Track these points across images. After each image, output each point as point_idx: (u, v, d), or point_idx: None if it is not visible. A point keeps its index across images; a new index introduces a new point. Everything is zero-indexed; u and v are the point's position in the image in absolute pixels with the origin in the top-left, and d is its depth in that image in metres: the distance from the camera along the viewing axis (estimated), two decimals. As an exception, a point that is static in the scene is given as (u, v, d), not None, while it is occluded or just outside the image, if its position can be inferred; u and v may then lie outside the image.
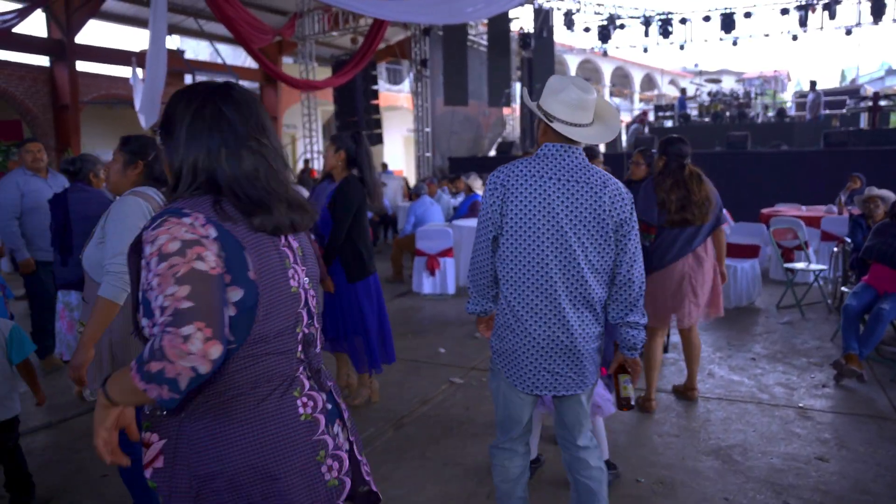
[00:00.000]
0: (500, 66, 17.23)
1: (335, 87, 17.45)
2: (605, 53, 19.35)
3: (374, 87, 17.49)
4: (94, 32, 10.51)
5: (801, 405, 3.93)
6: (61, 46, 15.24)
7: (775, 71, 25.97)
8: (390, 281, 8.13)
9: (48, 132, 15.71)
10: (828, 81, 46.09)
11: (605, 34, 16.06)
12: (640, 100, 35.74)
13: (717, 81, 20.82)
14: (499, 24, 16.95)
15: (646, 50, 17.62)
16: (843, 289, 5.57)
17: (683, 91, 17.92)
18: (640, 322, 2.21)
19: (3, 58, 14.99)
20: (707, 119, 16.13)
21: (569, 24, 16.53)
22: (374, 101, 17.53)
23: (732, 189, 11.87)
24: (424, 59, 16.43)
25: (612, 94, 36.93)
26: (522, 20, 18.42)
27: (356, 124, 17.20)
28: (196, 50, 23.21)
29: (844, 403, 3.98)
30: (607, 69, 35.15)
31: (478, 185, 8.93)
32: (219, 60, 17.85)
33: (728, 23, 14.72)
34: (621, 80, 37.49)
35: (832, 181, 9.39)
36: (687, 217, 3.78)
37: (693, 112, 17.27)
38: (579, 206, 2.10)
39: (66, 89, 15.47)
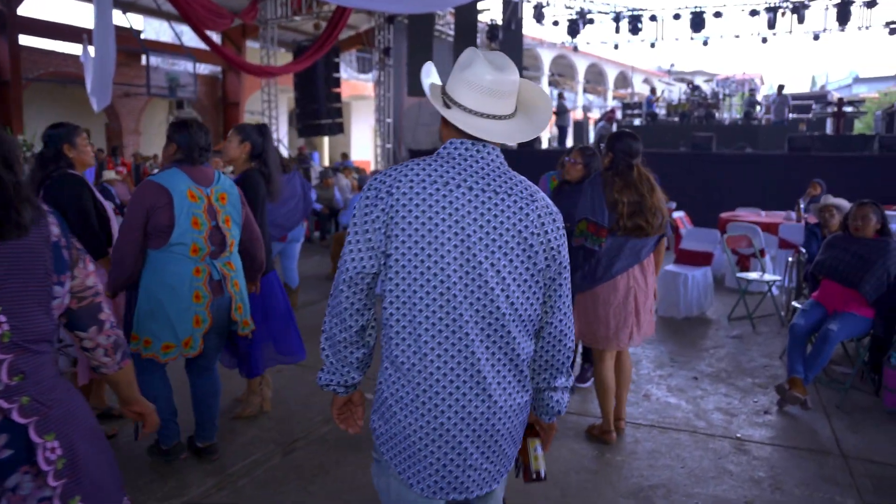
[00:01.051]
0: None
1: (295, 73, 16.86)
2: (575, 49, 19.05)
3: (336, 76, 16.91)
4: (41, 5, 9.80)
5: (738, 435, 3.57)
6: (1, 19, 14.36)
7: (744, 73, 25.92)
8: (329, 278, 7.67)
9: (-13, 110, 14.87)
10: (798, 87, 46.66)
11: (573, 29, 15.72)
12: (614, 97, 35.57)
13: (690, 82, 20.67)
14: (466, 15, 16.48)
15: (616, 46, 17.33)
16: (794, 303, 5.26)
17: (653, 90, 17.68)
18: (568, 385, 1.72)
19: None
20: (675, 119, 15.88)
21: (538, 16, 16.14)
22: (336, 90, 16.96)
23: (695, 191, 11.63)
24: (388, 48, 15.91)
25: (585, 91, 36.76)
26: (492, 12, 18.00)
27: (316, 113, 16.63)
28: (158, 31, 22.29)
29: (785, 434, 3.64)
30: (581, 65, 34.88)
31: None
32: (179, 42, 17.04)
33: (698, 22, 14.47)
34: (595, 76, 37.29)
35: (795, 186, 9.14)
36: (640, 224, 3.32)
37: (661, 111, 17.03)
38: (499, 228, 1.50)
39: (7, 64, 14.59)
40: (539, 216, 1.54)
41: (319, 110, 16.63)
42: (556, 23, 16.10)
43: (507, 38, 17.34)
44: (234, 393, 3.90)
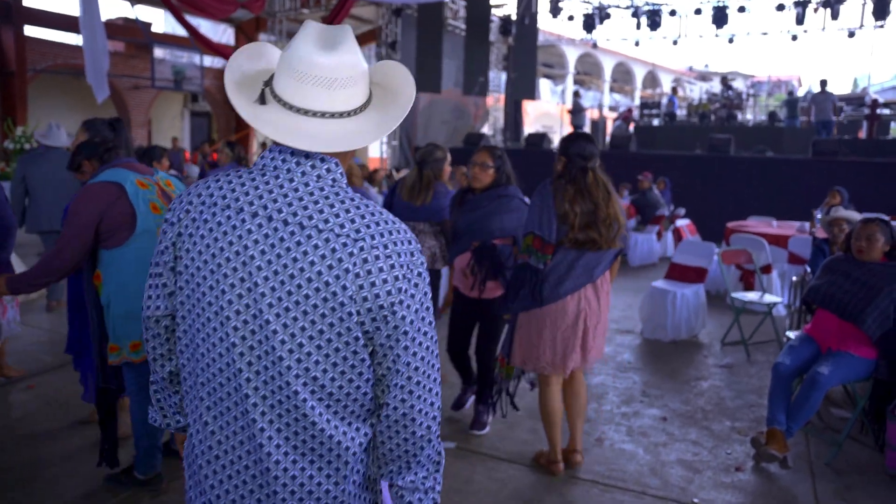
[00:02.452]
0: (477, 52, 16.18)
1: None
2: (594, 45, 18.27)
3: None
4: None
5: (695, 501, 2.95)
6: (6, 9, 14.24)
7: (770, 76, 24.79)
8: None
9: (-7, 100, 14.79)
10: (840, 89, 44.80)
11: (589, 24, 14.99)
12: (642, 97, 34.54)
13: (724, 78, 19.62)
14: (478, 8, 15.89)
15: (637, 43, 16.55)
16: (787, 333, 4.58)
17: (675, 89, 16.81)
18: (426, 486, 1.23)
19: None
20: (696, 119, 15.05)
21: (555, 10, 15.47)
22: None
23: (707, 197, 10.88)
24: (394, 42, 15.38)
25: (612, 91, 35.79)
26: (506, 7, 17.38)
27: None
28: (175, 24, 22.17)
29: (755, 500, 3.00)
30: (608, 64, 33.92)
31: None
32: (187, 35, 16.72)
33: (720, 17, 13.63)
34: (623, 75, 36.26)
35: (817, 195, 8.35)
36: (593, 237, 2.91)
37: (682, 112, 16.19)
38: (296, 274, 1.09)
39: (12, 55, 14.47)
40: (363, 262, 1.09)
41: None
42: (571, 17, 15.40)
43: (522, 33, 16.71)
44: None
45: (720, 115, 14.49)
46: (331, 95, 1.12)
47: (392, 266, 1.11)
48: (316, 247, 1.09)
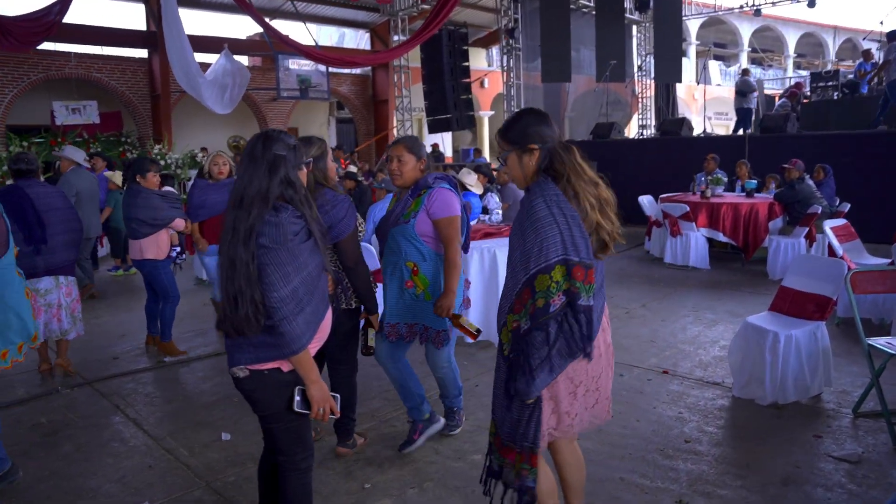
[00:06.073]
0: (609, 34, 14.37)
1: (423, 65, 15.85)
2: (757, 13, 15.43)
3: (465, 64, 15.55)
4: (188, 20, 10.22)
5: None
6: (154, 37, 15.34)
7: None
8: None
9: (146, 122, 16.05)
10: None
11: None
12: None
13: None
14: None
15: (812, 4, 13.63)
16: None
17: (866, 53, 13.42)
18: None
19: (106, 52, 15.49)
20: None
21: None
22: (465, 80, 15.61)
23: (882, 190, 8.33)
24: (512, 29, 14.11)
25: (799, 67, 30.92)
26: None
27: (444, 106, 15.43)
28: (320, 34, 22.82)
29: None
30: (791, 36, 29.31)
31: (471, 181, 6.77)
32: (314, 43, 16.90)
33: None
34: (812, 48, 31.24)
35: None
36: (610, 231, 2.11)
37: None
38: None
39: (159, 79, 15.60)
40: None
41: (447, 103, 15.43)
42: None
43: (661, 6, 14.57)
44: None
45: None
46: None
47: None
48: None
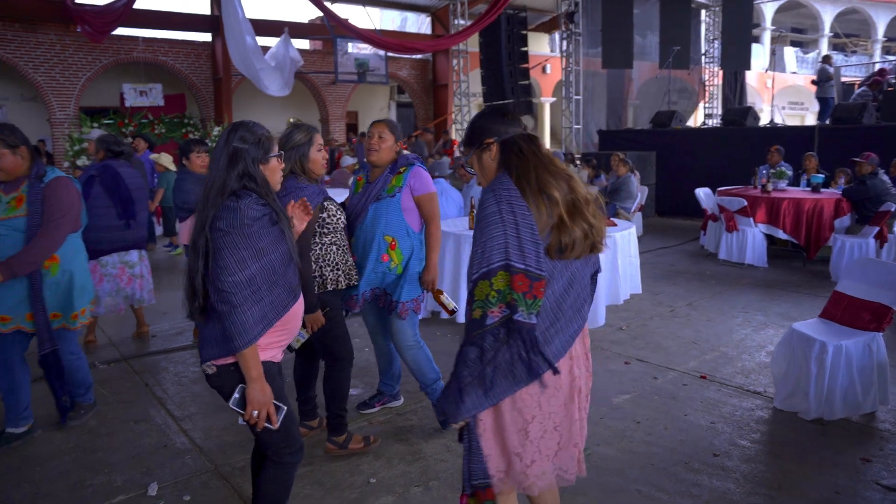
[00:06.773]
0: (675, 18, 13.75)
1: (482, 50, 15.62)
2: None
3: (524, 49, 15.22)
4: (248, 4, 10.42)
5: None
6: (216, 21, 15.67)
7: None
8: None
9: (209, 104, 16.49)
10: None
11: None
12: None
13: None
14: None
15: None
16: None
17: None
18: None
19: (171, 36, 15.95)
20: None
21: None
22: (524, 66, 15.29)
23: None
24: (572, 13, 13.68)
25: (889, 53, 28.85)
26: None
27: (501, 91, 15.18)
28: (383, 18, 22.83)
29: None
30: (881, 18, 27.34)
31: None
32: (371, 27, 16.91)
33: None
34: (903, 32, 29.04)
35: None
36: (586, 231, 1.84)
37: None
38: None
39: (220, 63, 15.96)
40: None
41: (504, 88, 15.17)
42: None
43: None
44: None
45: None
46: None
47: None
48: None
